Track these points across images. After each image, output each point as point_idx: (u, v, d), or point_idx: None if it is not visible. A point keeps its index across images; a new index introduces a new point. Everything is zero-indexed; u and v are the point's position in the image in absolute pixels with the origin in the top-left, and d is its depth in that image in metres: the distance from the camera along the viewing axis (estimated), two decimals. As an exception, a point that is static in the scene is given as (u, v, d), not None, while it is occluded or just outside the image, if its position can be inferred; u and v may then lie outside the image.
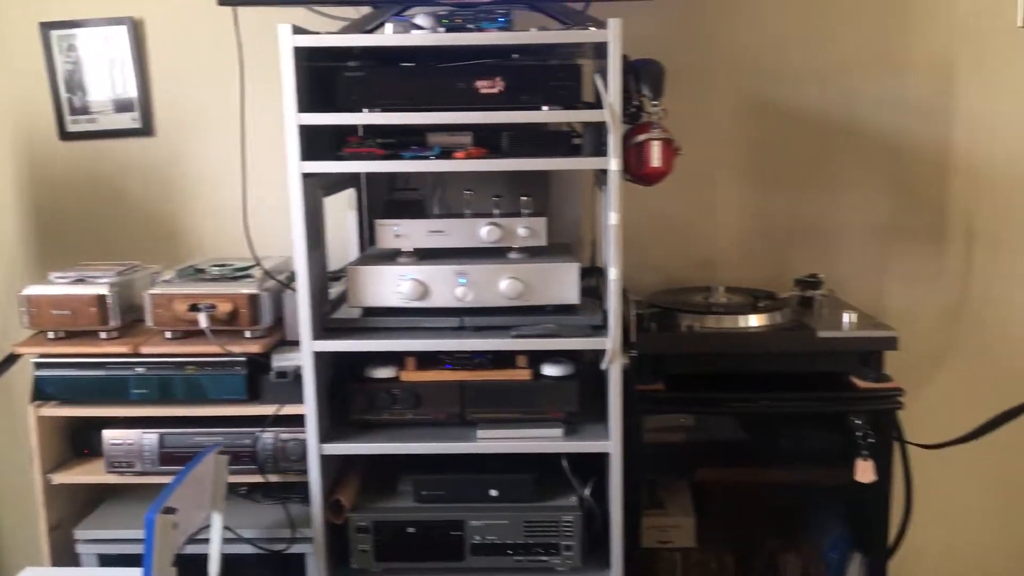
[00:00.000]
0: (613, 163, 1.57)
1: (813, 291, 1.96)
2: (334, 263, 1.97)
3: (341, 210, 2.06)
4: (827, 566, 1.85)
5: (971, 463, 2.22)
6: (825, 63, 2.13)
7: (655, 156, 1.64)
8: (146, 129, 2.19)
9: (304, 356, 1.65)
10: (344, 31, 1.82)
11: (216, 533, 1.68)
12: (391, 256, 1.75)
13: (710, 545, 1.92)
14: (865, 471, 1.74)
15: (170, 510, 1.41)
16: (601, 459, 1.71)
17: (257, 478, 1.80)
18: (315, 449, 1.68)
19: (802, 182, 2.18)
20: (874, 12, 2.11)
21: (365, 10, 1.79)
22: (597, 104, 1.58)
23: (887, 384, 1.77)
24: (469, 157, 1.63)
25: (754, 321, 1.84)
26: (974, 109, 2.12)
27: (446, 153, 1.64)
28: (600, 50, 1.58)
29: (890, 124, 2.14)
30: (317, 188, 1.71)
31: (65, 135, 2.19)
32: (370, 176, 2.05)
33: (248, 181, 1.84)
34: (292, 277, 1.73)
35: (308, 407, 1.67)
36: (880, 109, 2.14)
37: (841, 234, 2.19)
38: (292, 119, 1.58)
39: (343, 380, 1.75)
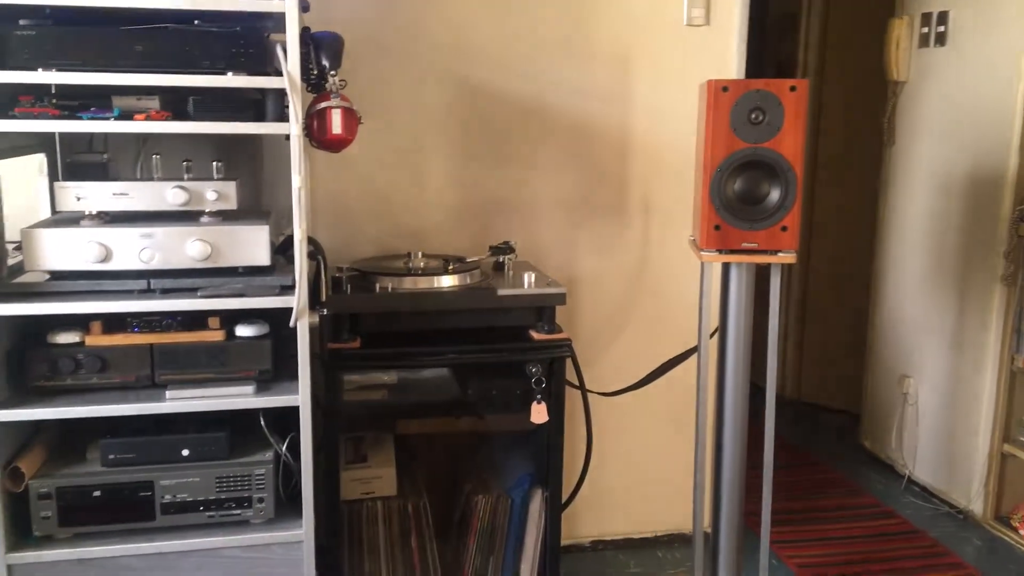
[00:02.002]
0: (294, 128, 1.65)
1: (504, 256, 2.15)
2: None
3: (35, 175, 1.99)
4: (512, 503, 2.04)
5: (646, 407, 2.53)
6: (519, 50, 2.32)
7: (336, 123, 1.73)
8: None
9: (-30, 321, 1.60)
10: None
11: None
12: (76, 220, 1.73)
13: (410, 492, 2.05)
14: (539, 413, 1.94)
15: None
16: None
17: (-68, 453, 1.72)
18: (-14, 416, 1.63)
19: (505, 159, 2.36)
20: (560, 4, 2.32)
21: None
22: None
23: (558, 335, 1.99)
24: (149, 119, 1.64)
25: (447, 282, 1.99)
26: (647, 97, 2.40)
27: (127, 115, 1.65)
28: (283, 21, 1.65)
29: (577, 108, 2.37)
30: (-13, 149, 1.66)
31: None
32: (64, 140, 2.00)
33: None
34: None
35: (-23, 374, 1.62)
36: (568, 94, 2.36)
37: (539, 207, 2.40)
38: (-57, 75, 1.53)
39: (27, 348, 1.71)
